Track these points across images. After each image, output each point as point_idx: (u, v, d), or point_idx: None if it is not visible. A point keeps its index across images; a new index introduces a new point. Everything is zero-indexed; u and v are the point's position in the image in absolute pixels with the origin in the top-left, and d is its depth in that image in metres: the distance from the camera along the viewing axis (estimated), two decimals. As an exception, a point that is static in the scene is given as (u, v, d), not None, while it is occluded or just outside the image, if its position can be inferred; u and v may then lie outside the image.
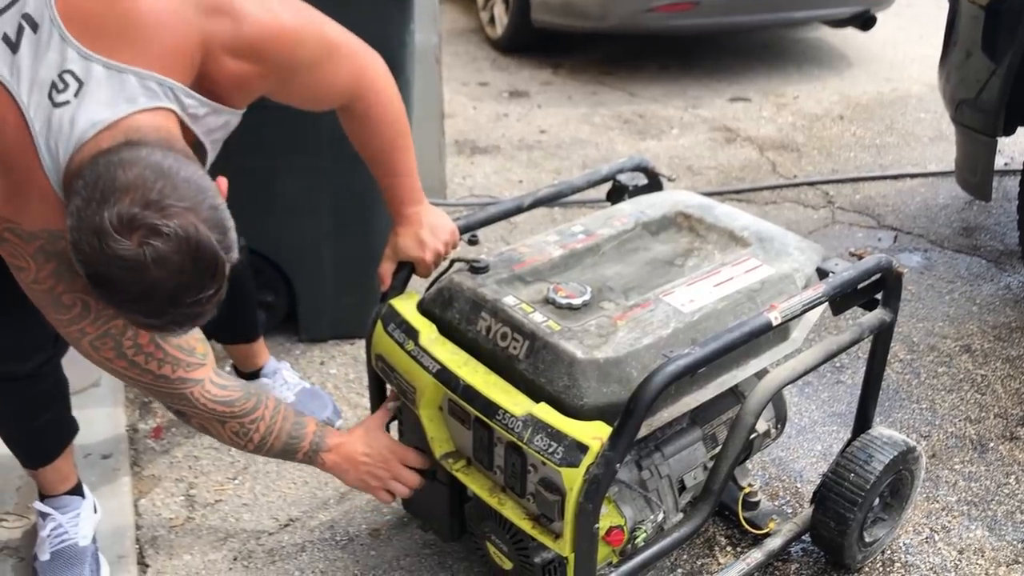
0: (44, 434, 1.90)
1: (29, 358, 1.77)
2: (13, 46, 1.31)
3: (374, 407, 1.93)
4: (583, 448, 1.43)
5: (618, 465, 1.43)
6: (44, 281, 1.41)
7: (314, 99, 1.63)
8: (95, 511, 2.01)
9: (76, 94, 1.28)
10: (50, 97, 1.29)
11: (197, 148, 1.42)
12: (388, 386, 1.85)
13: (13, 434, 1.89)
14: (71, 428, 1.94)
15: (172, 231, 1.20)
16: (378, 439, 1.80)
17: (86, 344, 1.48)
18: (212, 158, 1.52)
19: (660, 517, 1.69)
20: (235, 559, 2.01)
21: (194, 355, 1.56)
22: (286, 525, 2.10)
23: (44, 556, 1.90)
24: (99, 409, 2.36)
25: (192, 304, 1.26)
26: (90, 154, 1.26)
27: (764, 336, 1.60)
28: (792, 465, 2.29)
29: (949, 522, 2.12)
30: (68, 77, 1.29)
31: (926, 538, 2.08)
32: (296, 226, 2.51)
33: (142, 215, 1.19)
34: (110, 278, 1.21)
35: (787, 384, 1.68)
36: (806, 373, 1.72)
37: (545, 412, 1.50)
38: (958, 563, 2.01)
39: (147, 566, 1.99)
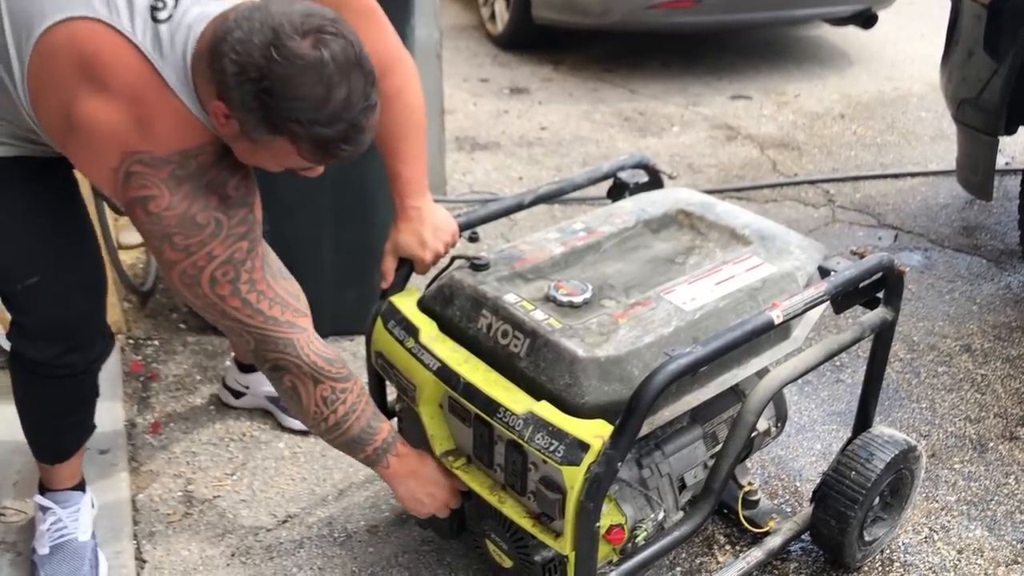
0: (70, 432, 1.91)
1: (87, 351, 1.77)
2: None
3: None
4: (584, 446, 1.43)
5: (619, 464, 1.42)
6: (177, 205, 1.41)
7: None
8: (92, 506, 2.01)
9: (175, 5, 1.37)
10: (153, 18, 1.36)
11: None
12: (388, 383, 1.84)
13: (41, 429, 1.89)
14: (90, 428, 1.95)
15: (340, 33, 1.31)
16: (433, 464, 1.77)
17: (206, 277, 1.48)
18: None
19: (660, 516, 1.68)
20: (233, 555, 2.01)
21: (300, 301, 1.59)
22: (284, 521, 2.10)
23: (43, 550, 1.89)
24: (98, 404, 2.35)
25: (360, 112, 1.33)
26: (209, 37, 1.33)
27: (765, 335, 1.60)
28: (792, 464, 2.28)
29: (948, 522, 2.12)
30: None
31: (925, 537, 2.08)
32: (296, 222, 2.50)
33: (310, 21, 1.29)
34: (290, 80, 1.27)
35: (788, 383, 1.68)
36: (807, 372, 1.72)
37: (546, 410, 1.49)
38: (957, 563, 2.01)
39: (144, 561, 1.99)
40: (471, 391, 1.57)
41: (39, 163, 1.58)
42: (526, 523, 1.58)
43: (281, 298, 1.55)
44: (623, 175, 2.11)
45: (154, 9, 1.37)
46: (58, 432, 1.90)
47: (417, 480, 1.75)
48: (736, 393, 1.83)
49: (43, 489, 1.96)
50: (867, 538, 1.95)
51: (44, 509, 1.93)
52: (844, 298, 1.73)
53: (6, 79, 1.42)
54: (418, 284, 1.84)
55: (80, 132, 1.38)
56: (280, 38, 1.26)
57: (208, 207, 1.44)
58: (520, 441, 1.50)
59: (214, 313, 1.53)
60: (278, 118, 1.30)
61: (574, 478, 1.43)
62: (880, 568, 2.00)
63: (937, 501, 2.18)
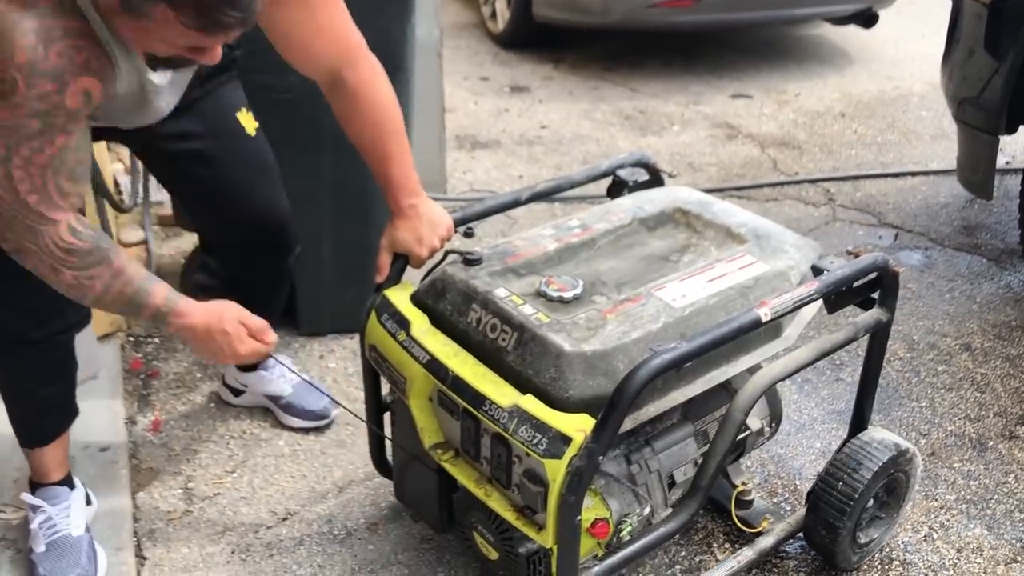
0: (46, 409, 1.91)
1: (46, 323, 1.77)
2: None
3: (368, 396, 1.93)
4: (566, 440, 1.43)
5: (601, 458, 1.43)
6: None
7: (308, 33, 1.63)
8: (88, 502, 2.02)
9: None
10: None
11: None
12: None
13: (17, 404, 1.90)
14: (71, 411, 1.96)
15: None
16: (230, 316, 1.69)
17: None
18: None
19: (647, 511, 1.69)
20: (233, 552, 2.01)
21: (66, 199, 1.49)
22: (284, 519, 2.10)
23: (39, 548, 1.90)
24: (97, 402, 2.36)
25: None
26: None
27: (756, 332, 1.60)
28: (791, 463, 2.28)
29: (948, 520, 2.12)
30: None
31: (925, 536, 2.08)
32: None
33: None
34: None
35: (778, 381, 1.68)
36: (798, 371, 1.71)
37: (531, 404, 1.50)
38: (956, 561, 2.01)
39: (145, 559, 1.99)
40: (459, 384, 1.58)
41: None
42: (510, 516, 1.58)
43: (46, 191, 1.45)
44: (622, 173, 2.11)
45: None
46: (34, 409, 1.90)
47: (207, 340, 1.66)
48: (728, 391, 1.83)
49: (33, 487, 1.98)
50: (862, 540, 1.94)
51: (34, 508, 1.94)
52: (837, 298, 1.73)
53: None
54: (413, 278, 1.84)
55: None
56: None
57: (11, 59, 1.32)
58: (505, 434, 1.50)
59: None
60: None
61: (556, 471, 1.43)
62: (879, 566, 2.00)
63: (936, 500, 2.18)
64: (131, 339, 2.69)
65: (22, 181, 1.42)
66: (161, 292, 1.62)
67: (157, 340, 2.70)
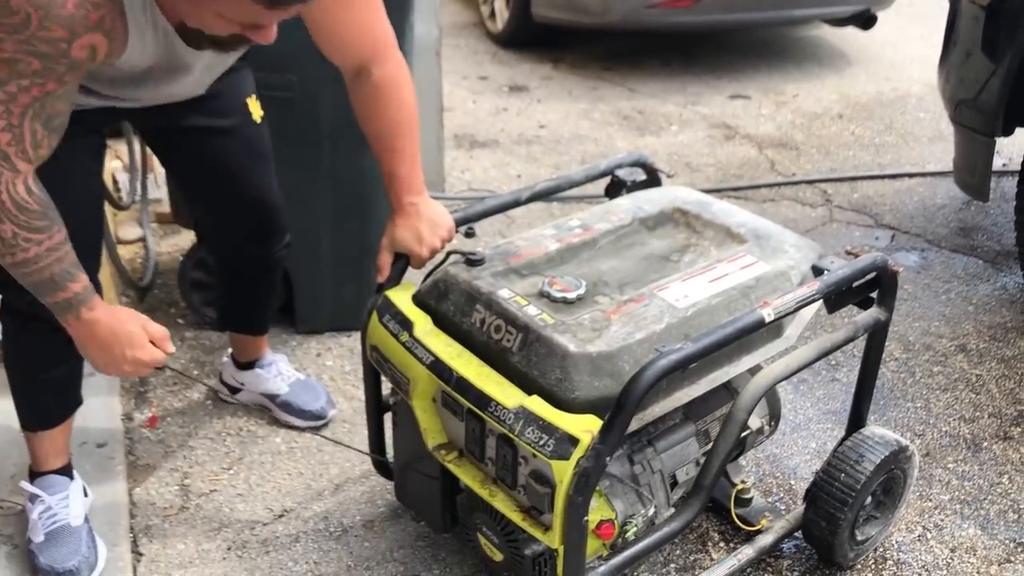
0: (53, 391, 1.92)
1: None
2: None
3: (369, 398, 1.93)
4: (573, 441, 1.44)
5: (608, 458, 1.43)
6: None
7: (344, 25, 1.65)
8: (85, 494, 2.02)
9: None
10: None
11: None
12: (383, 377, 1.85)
13: (26, 384, 1.91)
14: (77, 398, 1.97)
15: None
16: (134, 324, 1.65)
17: None
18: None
19: (651, 511, 1.69)
20: (229, 549, 2.01)
21: (36, 150, 1.47)
22: (280, 516, 2.11)
23: (38, 538, 1.91)
24: (95, 398, 2.35)
25: None
26: None
27: (757, 332, 1.60)
28: (786, 462, 2.29)
29: (942, 520, 2.13)
30: None
31: (919, 536, 2.09)
32: (293, 218, 2.51)
33: None
34: None
35: (780, 381, 1.69)
36: (799, 370, 1.72)
37: (537, 405, 1.50)
38: (950, 561, 2.02)
39: (141, 554, 2.00)
40: (464, 385, 1.58)
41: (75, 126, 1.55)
42: (516, 517, 1.59)
43: (20, 132, 1.43)
44: (621, 173, 2.11)
45: None
46: (40, 389, 1.91)
47: (109, 340, 1.63)
48: (729, 391, 1.83)
49: (32, 476, 1.98)
50: (859, 537, 1.95)
51: (33, 498, 1.95)
52: (837, 297, 1.74)
53: None
54: (414, 279, 1.84)
55: None
56: None
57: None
58: (511, 435, 1.51)
59: None
60: None
61: (563, 472, 1.43)
62: (873, 566, 2.00)
63: (931, 500, 2.19)
64: (128, 335, 2.69)
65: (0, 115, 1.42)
66: (83, 281, 1.59)
67: (154, 337, 2.70)
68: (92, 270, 1.81)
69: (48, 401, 1.94)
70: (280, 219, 2.15)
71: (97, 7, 1.37)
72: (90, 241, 1.82)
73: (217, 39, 1.48)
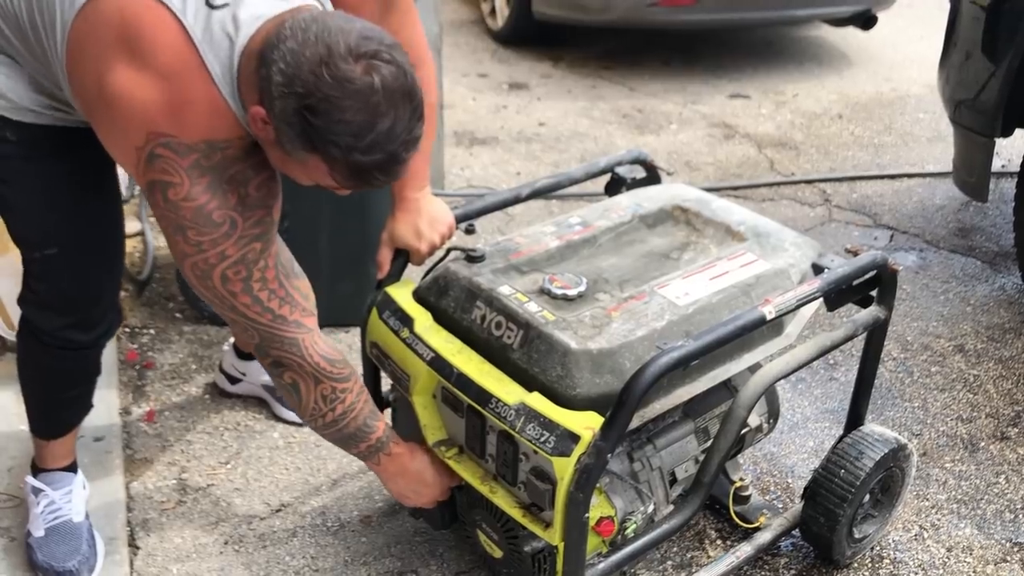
0: (68, 407, 1.92)
1: (95, 327, 1.78)
2: None
3: (369, 394, 1.93)
4: (575, 438, 1.44)
5: (609, 455, 1.43)
6: (197, 197, 1.39)
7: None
8: (84, 487, 2.01)
9: None
10: (208, 3, 1.34)
11: None
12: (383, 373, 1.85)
13: (41, 401, 1.90)
14: (88, 406, 1.97)
15: (394, 61, 1.28)
16: (426, 460, 1.77)
17: (218, 274, 1.46)
18: None
19: (650, 508, 1.69)
20: (226, 543, 2.01)
21: (309, 301, 1.58)
22: (278, 510, 2.11)
23: (38, 532, 1.90)
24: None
25: (401, 144, 1.31)
26: (262, 38, 1.31)
27: (758, 330, 1.61)
28: (784, 460, 2.29)
29: (939, 520, 2.13)
30: None
31: (915, 535, 2.09)
32: (292, 214, 2.51)
33: (367, 45, 1.26)
34: (336, 104, 1.24)
35: (780, 379, 1.69)
36: (799, 368, 1.72)
37: (537, 401, 1.50)
38: (946, 560, 2.02)
39: (138, 548, 2.00)
40: (464, 381, 1.58)
41: (72, 139, 1.57)
42: (516, 513, 1.59)
43: (292, 297, 1.54)
44: (620, 170, 2.11)
45: None
46: (57, 406, 1.91)
47: (406, 478, 1.76)
48: (729, 388, 1.84)
49: (36, 470, 1.97)
50: (857, 535, 1.96)
51: (37, 491, 1.94)
52: (837, 296, 1.74)
53: (46, 37, 1.40)
54: (414, 275, 1.84)
55: (110, 104, 1.35)
56: (332, 57, 1.24)
57: (226, 205, 1.41)
58: (511, 432, 1.51)
59: (223, 307, 1.52)
60: (317, 138, 1.28)
61: (564, 469, 1.43)
62: (870, 565, 2.01)
63: (928, 499, 2.19)
64: (127, 330, 2.69)
65: (270, 299, 1.51)
66: (383, 426, 1.70)
67: (153, 331, 2.70)
68: (117, 280, 1.82)
69: (65, 415, 1.93)
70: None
71: (273, 179, 1.47)
72: (117, 251, 1.82)
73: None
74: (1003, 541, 2.08)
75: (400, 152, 1.32)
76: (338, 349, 1.63)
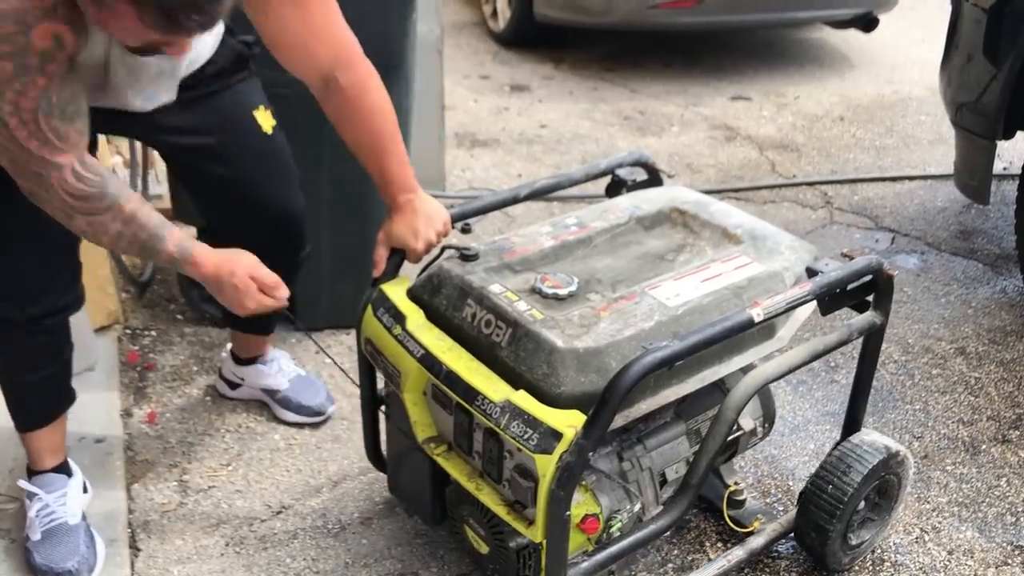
0: (37, 393, 1.92)
1: (24, 307, 1.77)
2: None
3: (364, 390, 1.94)
4: (557, 435, 1.44)
5: (592, 454, 1.43)
6: None
7: (302, 33, 1.64)
8: (85, 491, 2.02)
9: None
10: None
11: None
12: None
13: (9, 387, 1.91)
14: (67, 396, 1.97)
15: None
16: (233, 272, 1.71)
17: None
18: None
19: (638, 508, 1.69)
20: (227, 545, 2.02)
21: (65, 141, 1.50)
22: (278, 512, 2.11)
23: (35, 536, 1.91)
24: (93, 393, 2.36)
25: None
26: None
27: (748, 333, 1.60)
28: (784, 463, 2.29)
29: (940, 523, 2.13)
30: None
31: (916, 538, 2.09)
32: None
33: None
34: None
35: (771, 381, 1.68)
36: (791, 371, 1.72)
37: (522, 399, 1.51)
38: (947, 563, 2.02)
39: (139, 550, 2.00)
40: (452, 379, 1.59)
41: None
42: (501, 510, 1.59)
43: (42, 134, 1.47)
44: (621, 172, 2.12)
45: None
46: (28, 391, 1.91)
47: (211, 285, 1.71)
48: (722, 390, 1.83)
49: (30, 473, 1.98)
50: (853, 542, 1.95)
51: (31, 495, 1.95)
52: (831, 300, 1.73)
53: None
54: (410, 273, 1.85)
55: None
56: None
57: None
58: (496, 429, 1.51)
59: None
60: None
61: (546, 466, 1.44)
62: (871, 567, 2.00)
63: (929, 502, 2.19)
64: (128, 332, 2.70)
65: (18, 128, 1.45)
66: (175, 239, 1.65)
67: (154, 333, 2.71)
68: (74, 268, 1.81)
69: (35, 402, 1.94)
70: (299, 230, 2.10)
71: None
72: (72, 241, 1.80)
73: (138, 48, 1.47)
74: (1004, 544, 2.08)
75: None
76: (96, 181, 1.55)
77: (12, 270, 1.73)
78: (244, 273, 1.71)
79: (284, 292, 1.76)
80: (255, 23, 1.63)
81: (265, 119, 1.98)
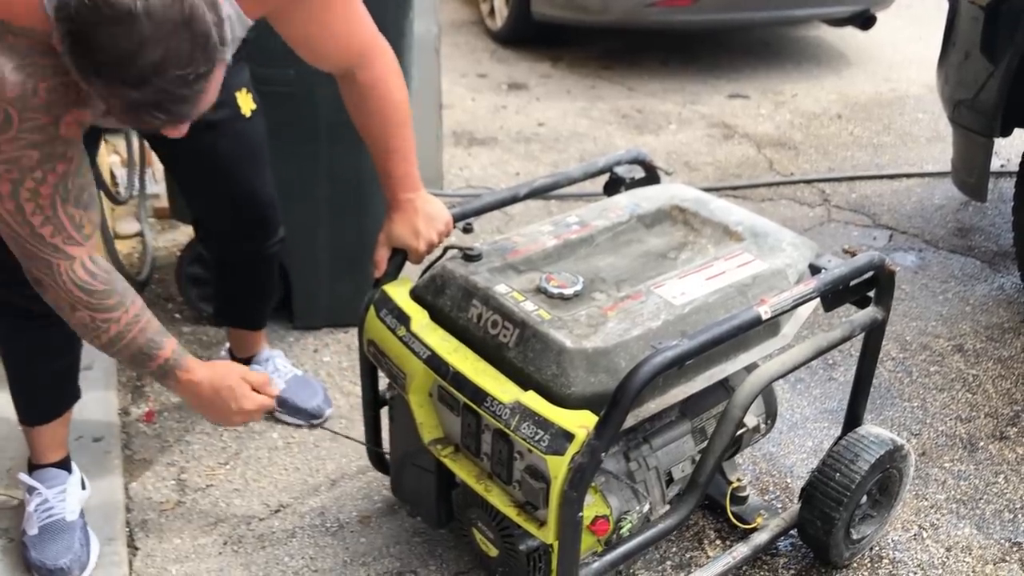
0: (48, 387, 1.92)
1: (40, 301, 1.75)
2: None
3: (366, 392, 1.93)
4: (569, 436, 1.44)
5: (603, 454, 1.43)
6: None
7: (322, 40, 1.63)
8: (83, 487, 2.02)
9: None
10: None
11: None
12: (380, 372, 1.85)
13: (20, 379, 1.91)
14: (74, 392, 1.97)
15: None
16: (224, 386, 1.70)
17: None
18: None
19: (646, 508, 1.69)
20: (225, 543, 2.01)
21: (80, 232, 1.51)
22: (276, 511, 2.11)
23: (32, 531, 1.91)
24: (91, 392, 2.35)
25: (178, 80, 1.21)
26: None
27: (754, 330, 1.61)
28: (783, 461, 2.29)
29: (938, 520, 2.13)
30: None
31: (915, 535, 2.09)
32: (291, 213, 2.51)
33: None
34: (97, 30, 1.17)
35: (776, 379, 1.69)
36: (796, 368, 1.72)
37: (532, 400, 1.50)
38: (946, 560, 2.02)
39: (137, 549, 2.00)
40: (460, 380, 1.58)
41: None
42: (511, 512, 1.59)
43: (59, 221, 1.46)
44: (619, 170, 2.11)
45: None
46: (38, 384, 1.91)
47: (200, 402, 1.70)
48: (726, 388, 1.83)
49: (31, 468, 1.98)
50: (855, 536, 1.95)
51: (31, 490, 1.95)
52: (834, 296, 1.74)
53: None
54: (412, 273, 1.84)
55: None
56: None
57: (3, 99, 1.32)
58: (506, 430, 1.51)
59: None
60: (83, 67, 1.21)
61: (558, 467, 1.44)
62: (869, 564, 2.01)
63: (927, 499, 2.19)
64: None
65: (34, 213, 1.44)
66: (170, 345, 1.64)
67: (152, 332, 2.70)
68: None
69: (45, 396, 1.94)
70: (272, 215, 2.13)
71: (67, 85, 1.36)
72: None
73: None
74: (1002, 541, 2.08)
75: (177, 88, 1.22)
76: (104, 278, 1.55)
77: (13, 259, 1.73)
78: (236, 374, 1.71)
79: (276, 389, 1.75)
80: (276, 29, 1.62)
81: (245, 101, 2.00)
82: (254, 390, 1.73)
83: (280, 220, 2.16)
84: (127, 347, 1.60)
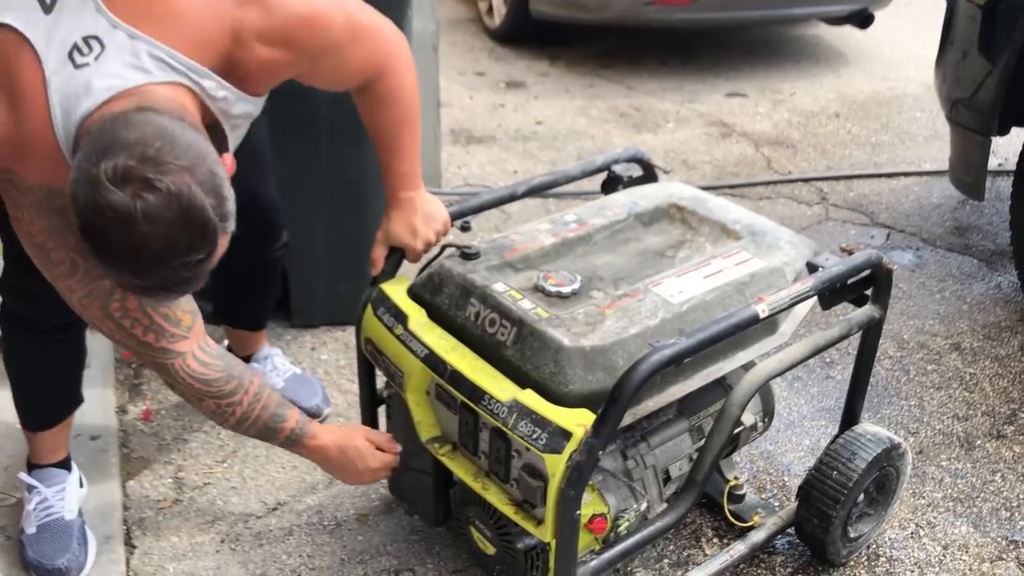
0: (51, 394, 1.93)
1: (48, 317, 1.79)
2: (47, 8, 1.34)
3: (363, 390, 1.94)
4: (566, 435, 1.44)
5: (601, 453, 1.43)
6: (36, 235, 1.44)
7: (338, 80, 1.65)
8: (81, 485, 2.02)
9: (96, 58, 1.31)
10: (71, 58, 1.32)
11: (215, 130, 1.44)
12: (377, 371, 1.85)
13: (24, 388, 1.92)
14: (77, 398, 1.98)
15: (165, 187, 1.21)
16: (351, 447, 1.80)
17: (75, 300, 1.50)
18: (234, 144, 1.54)
19: (644, 506, 1.69)
20: (222, 542, 2.01)
21: (179, 327, 1.56)
22: (274, 509, 2.11)
23: (31, 529, 1.91)
24: (89, 390, 2.33)
25: (180, 267, 1.27)
26: (100, 116, 1.29)
27: (752, 329, 1.61)
28: (780, 459, 2.30)
29: (935, 518, 2.14)
30: (93, 42, 1.32)
31: (911, 533, 2.09)
32: (290, 212, 2.51)
33: (138, 168, 1.20)
34: (101, 230, 1.22)
35: (774, 377, 1.69)
36: (793, 367, 1.72)
37: (530, 398, 1.50)
38: (943, 558, 2.03)
39: (134, 547, 2.00)
40: (457, 378, 1.58)
41: None
42: (509, 510, 1.59)
43: (157, 325, 1.53)
44: (617, 168, 2.11)
45: (77, 51, 1.31)
46: (41, 392, 1.92)
47: (331, 465, 1.81)
48: (723, 387, 1.84)
49: (30, 467, 1.98)
50: (852, 535, 1.96)
51: (30, 488, 1.95)
52: (831, 294, 1.74)
53: None
54: (409, 272, 1.84)
55: None
56: (98, 186, 1.19)
57: (64, 246, 1.42)
58: (504, 428, 1.51)
59: (98, 328, 1.56)
60: (95, 255, 1.27)
61: (556, 466, 1.44)
62: (866, 563, 2.01)
63: (924, 497, 2.19)
64: (123, 328, 2.69)
65: (133, 326, 1.51)
66: (293, 416, 1.72)
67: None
68: None
69: (48, 403, 1.95)
70: (275, 218, 2.13)
71: None
72: None
73: None
74: (999, 539, 2.08)
75: (179, 275, 1.28)
76: (218, 365, 1.61)
77: (36, 283, 1.74)
78: (360, 435, 1.80)
79: (398, 447, 1.84)
80: (298, 80, 1.61)
81: None
82: (378, 448, 1.82)
83: (283, 224, 2.16)
84: (254, 424, 1.68)
